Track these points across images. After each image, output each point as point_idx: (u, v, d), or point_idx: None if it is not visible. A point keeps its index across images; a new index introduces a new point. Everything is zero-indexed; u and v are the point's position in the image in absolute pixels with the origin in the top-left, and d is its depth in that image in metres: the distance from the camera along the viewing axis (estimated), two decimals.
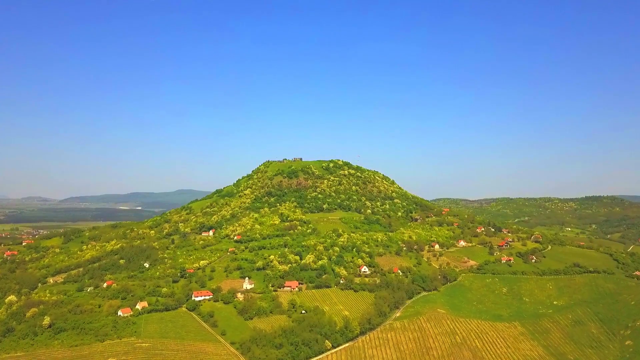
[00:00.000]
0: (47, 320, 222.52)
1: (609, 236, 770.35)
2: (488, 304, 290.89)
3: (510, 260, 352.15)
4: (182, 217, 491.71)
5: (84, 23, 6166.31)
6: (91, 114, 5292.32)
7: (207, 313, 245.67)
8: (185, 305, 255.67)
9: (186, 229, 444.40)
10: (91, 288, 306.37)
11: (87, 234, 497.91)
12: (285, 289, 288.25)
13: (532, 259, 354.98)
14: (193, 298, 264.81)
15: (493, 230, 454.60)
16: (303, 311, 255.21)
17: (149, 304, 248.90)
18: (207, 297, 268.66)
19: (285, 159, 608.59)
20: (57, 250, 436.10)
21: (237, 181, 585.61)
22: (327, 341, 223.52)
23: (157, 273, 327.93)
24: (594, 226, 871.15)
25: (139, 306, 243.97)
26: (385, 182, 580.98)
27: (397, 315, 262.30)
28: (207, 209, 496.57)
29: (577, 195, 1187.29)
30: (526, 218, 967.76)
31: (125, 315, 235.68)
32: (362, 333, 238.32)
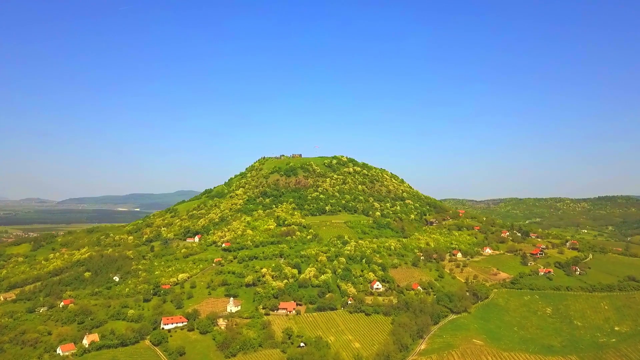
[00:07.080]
0: None
1: (628, 238, 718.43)
2: (532, 329, 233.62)
3: (549, 272, 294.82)
4: (166, 221, 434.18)
5: (82, 23, 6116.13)
6: (90, 114, 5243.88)
7: (176, 349, 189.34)
8: (149, 337, 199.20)
9: (169, 235, 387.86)
10: (44, 308, 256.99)
11: (59, 239, 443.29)
12: (280, 311, 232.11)
13: (576, 270, 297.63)
14: (161, 326, 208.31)
15: (520, 235, 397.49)
16: (302, 344, 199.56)
17: (101, 337, 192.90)
18: (180, 325, 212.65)
19: (283, 155, 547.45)
20: (21, 259, 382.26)
21: (229, 180, 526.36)
22: None
23: (127, 289, 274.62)
24: (610, 228, 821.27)
25: (86, 340, 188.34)
26: (394, 180, 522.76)
27: (422, 348, 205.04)
28: (194, 212, 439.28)
29: (588, 195, 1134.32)
30: (538, 219, 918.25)
31: (66, 353, 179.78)
32: None
